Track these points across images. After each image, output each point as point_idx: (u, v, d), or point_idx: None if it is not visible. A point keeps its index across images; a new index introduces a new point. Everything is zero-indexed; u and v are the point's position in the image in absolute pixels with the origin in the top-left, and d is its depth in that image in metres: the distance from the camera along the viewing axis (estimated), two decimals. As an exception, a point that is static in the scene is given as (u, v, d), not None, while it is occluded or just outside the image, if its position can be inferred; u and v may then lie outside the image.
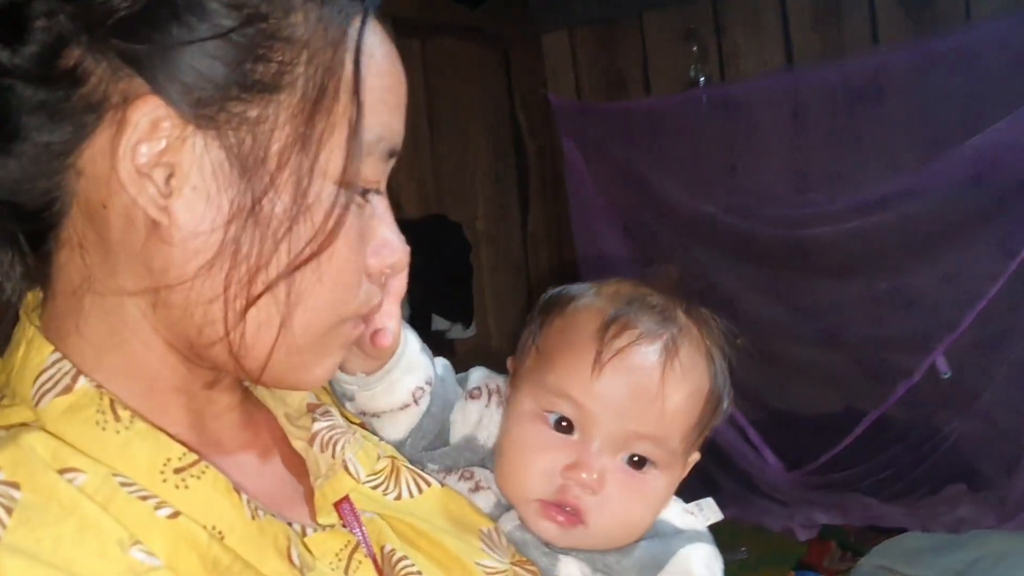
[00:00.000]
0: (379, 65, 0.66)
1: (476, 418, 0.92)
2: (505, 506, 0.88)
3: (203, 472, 0.62)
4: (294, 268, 0.62)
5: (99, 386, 0.63)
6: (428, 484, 0.81)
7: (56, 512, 0.55)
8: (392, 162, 0.70)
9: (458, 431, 0.92)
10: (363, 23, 0.65)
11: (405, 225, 0.72)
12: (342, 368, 0.83)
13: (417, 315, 2.91)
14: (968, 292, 2.77)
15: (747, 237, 3.23)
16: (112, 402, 0.62)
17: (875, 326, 3.14)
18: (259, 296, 0.62)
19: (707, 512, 0.94)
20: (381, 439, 0.85)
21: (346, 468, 0.75)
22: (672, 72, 3.61)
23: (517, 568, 0.81)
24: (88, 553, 0.55)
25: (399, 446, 0.87)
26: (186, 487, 0.61)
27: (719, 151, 3.44)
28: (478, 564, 0.77)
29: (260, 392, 0.79)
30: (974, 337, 2.79)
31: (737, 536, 2.90)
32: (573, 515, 0.85)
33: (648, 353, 0.87)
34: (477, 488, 0.89)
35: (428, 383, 0.89)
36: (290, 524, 0.67)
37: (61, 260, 0.65)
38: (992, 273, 2.71)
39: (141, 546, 0.57)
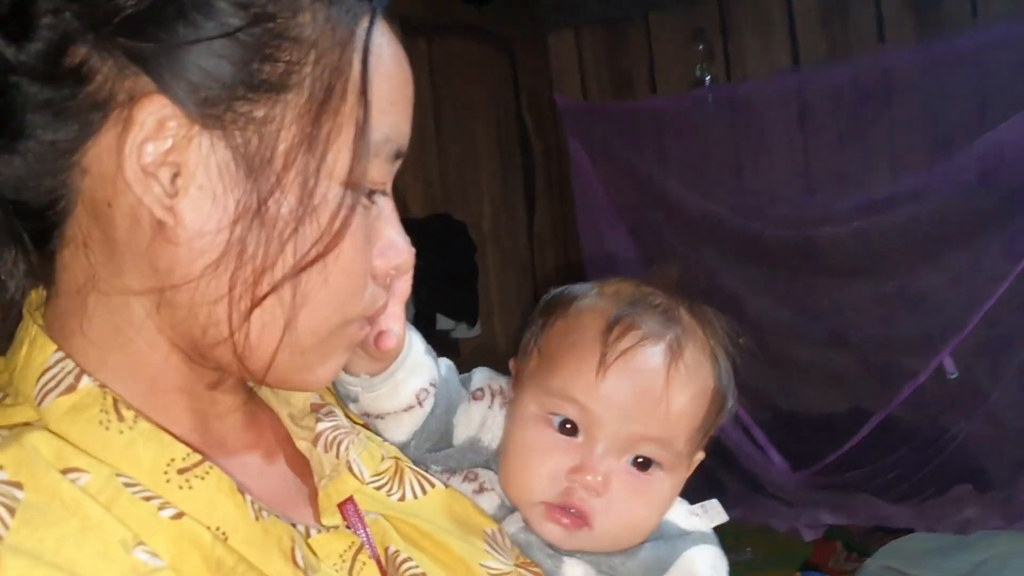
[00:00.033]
0: (387, 66, 0.66)
1: (479, 420, 0.91)
2: (509, 508, 0.88)
3: (207, 473, 0.62)
4: (300, 269, 0.62)
5: (102, 385, 0.62)
6: (432, 485, 0.81)
7: (59, 512, 0.55)
8: (398, 163, 0.69)
9: (462, 433, 0.91)
10: (371, 23, 0.64)
11: (410, 225, 0.71)
12: (346, 370, 0.83)
13: (422, 315, 2.90)
14: (975, 292, 2.76)
15: (754, 237, 3.23)
16: (116, 402, 0.62)
17: (882, 326, 3.14)
18: (264, 297, 0.62)
19: (712, 514, 0.94)
20: (385, 441, 0.85)
21: (350, 469, 0.75)
22: (678, 72, 3.61)
23: (521, 570, 0.80)
24: (91, 554, 0.54)
25: (403, 448, 0.86)
26: (190, 488, 0.61)
27: (725, 151, 3.44)
28: (482, 566, 0.77)
29: (264, 392, 0.79)
30: (981, 337, 2.79)
31: (742, 537, 2.90)
32: (578, 518, 0.85)
33: (652, 354, 0.86)
34: (481, 489, 0.89)
35: (432, 385, 0.89)
36: (294, 525, 0.66)
37: (65, 258, 0.65)
38: (999, 273, 2.70)
39: (144, 547, 0.56)
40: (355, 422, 0.84)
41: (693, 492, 0.93)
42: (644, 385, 0.86)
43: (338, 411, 0.80)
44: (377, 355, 0.83)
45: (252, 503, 0.63)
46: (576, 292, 0.93)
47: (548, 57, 3.87)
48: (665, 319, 0.88)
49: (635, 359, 0.86)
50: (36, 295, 0.69)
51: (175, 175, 0.60)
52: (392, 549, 0.72)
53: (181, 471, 0.61)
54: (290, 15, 0.61)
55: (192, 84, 0.59)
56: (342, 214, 0.63)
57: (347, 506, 0.73)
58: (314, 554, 0.66)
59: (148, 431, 0.62)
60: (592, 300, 0.91)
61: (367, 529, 0.72)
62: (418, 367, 0.88)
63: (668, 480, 0.88)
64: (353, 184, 0.63)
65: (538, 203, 3.77)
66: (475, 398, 0.92)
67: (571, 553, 0.86)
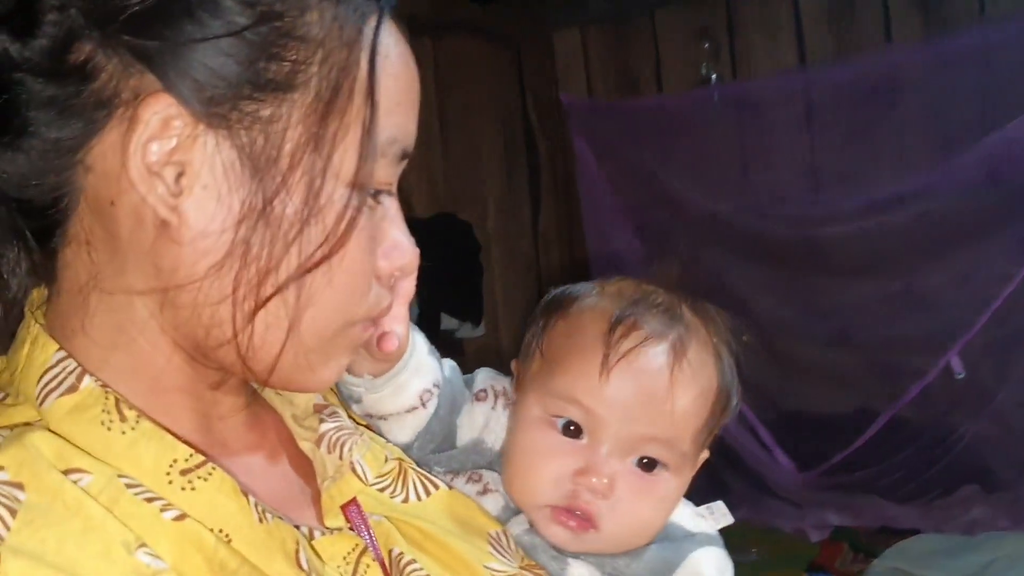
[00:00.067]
0: (394, 66, 0.65)
1: (483, 421, 0.91)
2: (514, 509, 0.87)
3: (210, 474, 0.62)
4: (305, 270, 0.62)
5: (104, 385, 0.62)
6: (436, 487, 0.81)
7: (60, 513, 0.55)
8: (404, 163, 0.69)
9: (465, 434, 0.91)
10: (379, 23, 0.64)
11: (415, 224, 0.71)
12: (349, 370, 0.83)
13: (426, 314, 2.90)
14: (983, 292, 2.76)
15: (759, 236, 3.22)
16: (118, 402, 0.62)
17: (888, 326, 3.13)
18: (269, 298, 0.61)
19: (718, 516, 0.94)
20: (388, 442, 0.85)
21: (353, 470, 0.74)
22: (684, 71, 3.60)
23: (526, 572, 0.80)
24: (92, 555, 0.54)
25: (406, 449, 0.86)
26: (192, 489, 0.61)
27: (731, 150, 3.43)
28: (486, 568, 0.76)
29: (267, 393, 0.79)
30: (988, 337, 2.79)
31: (748, 537, 2.89)
32: (584, 520, 0.84)
33: (656, 354, 0.86)
34: (485, 491, 0.88)
35: (436, 386, 0.88)
36: (297, 527, 0.66)
37: (68, 257, 0.64)
38: (1007, 273, 2.70)
39: (147, 548, 0.56)
40: (358, 423, 0.84)
41: (698, 493, 0.93)
42: (648, 385, 0.85)
43: (341, 412, 0.79)
44: (380, 356, 0.82)
45: (255, 505, 0.63)
46: (577, 292, 0.92)
47: (553, 56, 3.87)
48: (667, 318, 0.88)
49: (638, 359, 0.85)
50: (38, 294, 0.68)
51: (179, 174, 0.60)
52: (396, 551, 0.72)
53: (184, 472, 0.61)
54: (297, 14, 0.60)
55: (198, 83, 0.58)
56: (348, 215, 0.62)
57: (350, 508, 0.73)
58: (318, 556, 0.66)
59: (150, 431, 0.62)
60: (593, 300, 0.91)
61: (371, 531, 0.72)
62: (421, 368, 0.87)
63: (673, 480, 0.88)
64: (359, 185, 0.63)
65: (543, 202, 3.77)
66: (478, 399, 0.92)
67: (576, 555, 0.86)
